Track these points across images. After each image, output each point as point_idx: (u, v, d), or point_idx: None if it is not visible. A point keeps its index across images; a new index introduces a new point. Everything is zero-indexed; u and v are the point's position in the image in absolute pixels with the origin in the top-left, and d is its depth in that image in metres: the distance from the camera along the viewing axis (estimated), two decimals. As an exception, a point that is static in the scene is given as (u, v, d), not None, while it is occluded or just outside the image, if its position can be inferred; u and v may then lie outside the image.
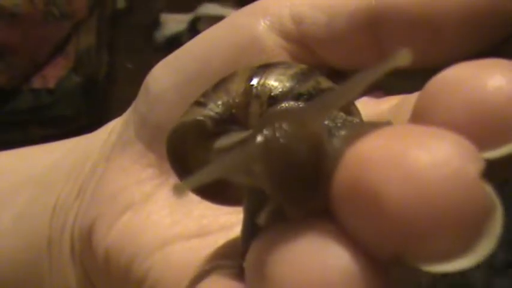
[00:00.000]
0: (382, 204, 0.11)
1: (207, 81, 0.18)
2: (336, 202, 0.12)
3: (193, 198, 0.19)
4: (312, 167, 0.12)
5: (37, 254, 0.23)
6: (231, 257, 0.16)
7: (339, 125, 0.14)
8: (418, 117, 0.13)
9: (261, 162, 0.12)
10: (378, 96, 0.18)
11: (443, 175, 0.11)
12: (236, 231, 0.18)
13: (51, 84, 0.86)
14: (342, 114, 0.15)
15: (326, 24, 0.18)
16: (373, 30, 0.17)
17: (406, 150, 0.11)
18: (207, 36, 0.20)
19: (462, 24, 0.16)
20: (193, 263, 0.17)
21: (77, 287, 0.22)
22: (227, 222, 0.19)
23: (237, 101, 0.15)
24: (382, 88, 0.18)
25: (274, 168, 0.12)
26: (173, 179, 0.20)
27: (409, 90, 0.16)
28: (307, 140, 0.12)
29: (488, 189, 0.11)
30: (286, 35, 0.19)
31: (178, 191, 0.13)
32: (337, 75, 0.19)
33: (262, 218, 0.13)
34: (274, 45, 0.19)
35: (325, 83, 0.16)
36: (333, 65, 0.19)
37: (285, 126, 0.12)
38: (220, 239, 0.18)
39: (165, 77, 0.20)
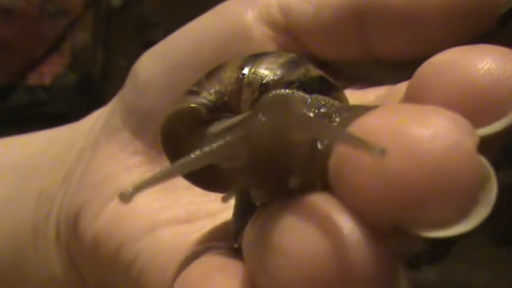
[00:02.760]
0: (383, 174, 0.11)
1: (195, 69, 0.18)
2: (337, 172, 0.12)
3: (180, 185, 0.20)
4: (285, 170, 0.13)
5: (21, 241, 0.23)
6: (220, 240, 0.17)
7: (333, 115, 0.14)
8: (412, 98, 0.14)
9: (242, 151, 0.13)
10: (362, 87, 0.18)
11: (442, 147, 0.11)
12: (222, 217, 0.18)
13: (47, 81, 0.86)
14: (335, 102, 0.15)
15: (313, 16, 0.19)
16: (360, 22, 0.18)
17: (407, 125, 0.12)
18: (196, 25, 0.20)
19: (447, 17, 0.17)
20: (181, 247, 0.17)
21: (62, 273, 0.22)
22: (214, 208, 0.19)
23: (229, 89, 0.16)
24: (367, 80, 0.19)
25: (251, 161, 0.13)
26: (160, 167, 0.20)
27: (394, 82, 0.17)
28: (284, 145, 0.13)
29: (484, 161, 0.12)
30: (274, 26, 0.19)
31: (123, 197, 0.13)
32: (323, 66, 0.19)
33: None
34: (262, 35, 0.19)
35: (315, 71, 0.16)
36: (319, 56, 0.19)
37: (268, 126, 0.13)
38: (207, 225, 0.18)
39: (154, 64, 0.20)
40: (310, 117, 0.14)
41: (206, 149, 0.13)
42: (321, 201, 0.12)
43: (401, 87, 0.15)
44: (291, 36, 0.19)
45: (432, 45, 0.15)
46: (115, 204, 0.20)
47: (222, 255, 0.15)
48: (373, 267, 0.12)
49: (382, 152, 0.11)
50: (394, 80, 0.17)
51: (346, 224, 0.12)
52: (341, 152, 0.12)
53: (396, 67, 0.18)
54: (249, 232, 0.13)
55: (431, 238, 0.11)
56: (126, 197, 0.13)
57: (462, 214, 0.11)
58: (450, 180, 0.11)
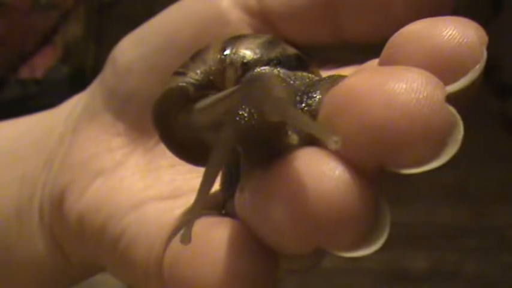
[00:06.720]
0: (367, 123, 0.13)
1: (174, 52, 0.19)
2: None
3: (163, 164, 0.20)
4: (268, 150, 0.14)
5: (5, 225, 0.24)
6: (208, 209, 0.18)
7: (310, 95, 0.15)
8: (385, 65, 0.15)
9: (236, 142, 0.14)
10: (334, 68, 0.20)
11: (417, 99, 0.13)
12: None
13: (39, 74, 0.86)
14: (313, 76, 0.16)
15: (286, 1, 0.20)
16: (330, 6, 0.19)
17: (386, 81, 0.13)
18: (174, 10, 0.21)
19: (409, 1, 0.18)
20: (168, 220, 0.18)
21: (46, 255, 0.23)
22: (197, 184, 0.20)
23: (213, 68, 0.17)
24: (336, 61, 0.20)
25: (247, 147, 0.15)
26: (143, 148, 0.21)
27: (362, 62, 0.18)
28: (270, 125, 0.14)
29: (452, 110, 0.14)
30: (249, 10, 0.20)
31: (183, 239, 0.14)
32: (296, 49, 0.20)
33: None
34: (237, 20, 0.20)
35: (291, 49, 0.18)
36: (292, 40, 0.20)
37: (249, 114, 0.14)
38: (192, 200, 0.18)
39: (133, 48, 0.21)
40: (285, 102, 0.15)
41: (215, 157, 0.15)
42: (312, 151, 0.14)
43: (371, 64, 0.16)
44: (265, 21, 0.20)
45: (397, 27, 0.16)
46: (99, 183, 0.21)
47: (214, 216, 0.16)
48: (360, 204, 0.13)
49: (337, 141, 0.13)
50: (364, 62, 0.18)
51: (337, 168, 0.13)
52: (328, 108, 0.14)
53: (365, 49, 0.19)
54: (245, 185, 0.15)
55: (409, 174, 0.13)
56: (185, 238, 0.14)
57: (434, 154, 0.13)
58: (424, 126, 0.13)
